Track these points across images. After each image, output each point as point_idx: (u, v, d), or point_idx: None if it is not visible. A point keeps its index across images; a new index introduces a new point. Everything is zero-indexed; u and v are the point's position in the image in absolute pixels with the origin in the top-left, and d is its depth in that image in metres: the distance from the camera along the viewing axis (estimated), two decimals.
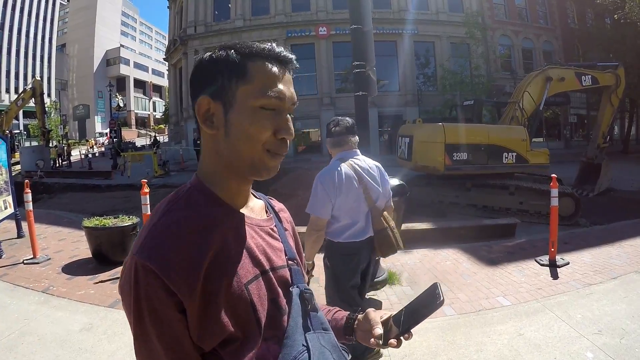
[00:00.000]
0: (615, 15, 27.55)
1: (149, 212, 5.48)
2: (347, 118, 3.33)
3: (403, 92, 30.22)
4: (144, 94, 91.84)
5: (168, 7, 36.21)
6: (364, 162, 3.22)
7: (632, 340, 4.14)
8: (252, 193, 1.13)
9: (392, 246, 3.28)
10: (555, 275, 5.96)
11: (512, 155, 11.13)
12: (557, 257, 6.47)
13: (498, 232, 8.14)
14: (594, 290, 5.42)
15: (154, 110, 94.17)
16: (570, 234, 8.61)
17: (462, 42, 30.46)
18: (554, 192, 6.49)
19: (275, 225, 1.12)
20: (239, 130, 0.92)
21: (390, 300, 5.02)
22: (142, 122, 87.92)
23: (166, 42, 48.74)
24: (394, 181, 4.75)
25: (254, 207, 1.11)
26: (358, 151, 3.29)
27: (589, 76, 13.61)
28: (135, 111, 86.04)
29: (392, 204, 3.46)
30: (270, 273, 1.00)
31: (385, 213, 3.30)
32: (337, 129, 3.23)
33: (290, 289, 1.03)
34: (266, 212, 1.15)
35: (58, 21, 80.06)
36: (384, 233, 3.21)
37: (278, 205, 1.27)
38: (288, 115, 0.98)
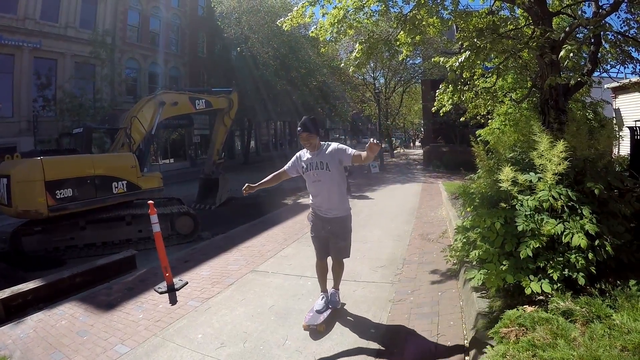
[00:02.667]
0: (239, 48, 31.13)
1: None
2: None
3: (17, 119, 25.32)
4: None
5: None
6: None
7: (255, 340, 4.36)
8: None
9: None
10: (174, 300, 5.88)
11: (123, 184, 10.84)
12: (175, 280, 6.45)
13: (118, 269, 7.67)
14: (212, 304, 5.57)
15: None
16: (191, 250, 8.86)
17: (87, 62, 28.49)
18: (154, 218, 6.42)
19: None
20: None
21: None
22: None
23: None
24: None
25: None
26: None
27: (203, 100, 14.81)
28: None
29: None
30: None
31: None
32: None
33: None
34: None
35: None
36: None
37: None
38: None
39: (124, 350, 4.53)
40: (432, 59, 9.71)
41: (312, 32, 8.18)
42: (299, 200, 14.94)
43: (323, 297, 4.96)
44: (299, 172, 4.65)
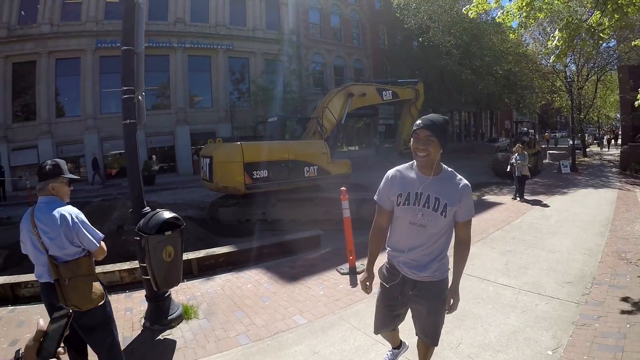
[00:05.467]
0: (420, 38, 30.96)
1: None
2: (48, 161, 3.22)
3: (216, 109, 29.65)
4: None
5: None
6: (41, 210, 3.10)
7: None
8: None
9: (66, 299, 3.03)
10: (354, 283, 6.06)
11: (314, 169, 11.52)
12: (358, 264, 6.58)
13: (303, 246, 8.21)
14: None
15: None
16: None
17: (276, 58, 31.11)
18: (345, 204, 6.66)
19: None
20: None
21: (186, 338, 4.62)
22: None
23: None
24: (166, 214, 4.55)
25: None
26: (50, 197, 3.16)
27: (390, 91, 14.89)
28: None
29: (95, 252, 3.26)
30: None
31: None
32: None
33: None
34: None
35: None
36: (57, 283, 3.04)
37: None
38: None
39: (302, 321, 4.87)
40: (632, 42, 8.47)
41: (498, 17, 7.74)
42: (484, 197, 14.20)
43: (391, 354, 3.60)
44: (391, 202, 2.81)
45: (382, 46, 39.84)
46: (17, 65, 25.42)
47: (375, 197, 2.91)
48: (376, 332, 3.24)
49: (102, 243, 3.28)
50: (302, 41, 33.19)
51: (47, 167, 3.15)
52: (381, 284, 3.01)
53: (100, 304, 3.20)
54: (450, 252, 2.87)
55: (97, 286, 3.22)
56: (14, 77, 25.36)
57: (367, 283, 2.99)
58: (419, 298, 2.85)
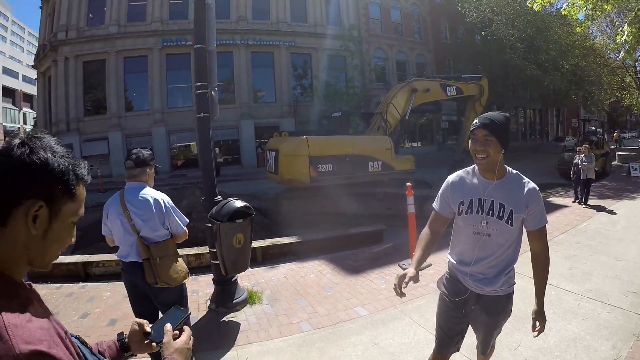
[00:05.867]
0: (483, 32, 30.17)
1: None
2: (142, 150, 3.47)
3: (280, 104, 30.34)
4: (14, 103, 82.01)
5: (40, 6, 31.96)
6: (132, 194, 3.32)
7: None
8: None
9: (156, 276, 3.29)
10: (415, 279, 5.99)
11: (378, 164, 11.55)
12: None
13: (366, 239, 8.29)
14: None
15: (25, 122, 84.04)
16: None
17: (338, 54, 31.30)
18: (410, 199, 6.68)
19: None
20: (56, 236, 1.07)
21: (249, 321, 4.84)
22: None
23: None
24: (238, 203, 4.73)
25: None
26: (139, 183, 3.38)
27: (454, 87, 14.73)
28: (4, 124, 76.68)
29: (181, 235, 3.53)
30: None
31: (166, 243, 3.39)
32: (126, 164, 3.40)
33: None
34: None
35: None
36: (146, 262, 3.28)
37: None
38: None
39: (363, 312, 4.97)
40: None
41: (563, 9, 7.47)
42: (549, 199, 13.43)
43: None
44: (452, 209, 2.64)
45: (444, 40, 39.02)
46: (87, 64, 27.42)
47: (433, 204, 2.74)
48: (440, 350, 2.86)
49: (185, 227, 3.53)
50: (363, 36, 33.24)
51: (144, 154, 3.39)
52: (441, 297, 2.82)
53: (184, 281, 3.47)
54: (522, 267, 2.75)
55: (182, 264, 3.48)
56: (85, 75, 27.33)
57: (406, 283, 2.38)
58: (480, 312, 2.63)
